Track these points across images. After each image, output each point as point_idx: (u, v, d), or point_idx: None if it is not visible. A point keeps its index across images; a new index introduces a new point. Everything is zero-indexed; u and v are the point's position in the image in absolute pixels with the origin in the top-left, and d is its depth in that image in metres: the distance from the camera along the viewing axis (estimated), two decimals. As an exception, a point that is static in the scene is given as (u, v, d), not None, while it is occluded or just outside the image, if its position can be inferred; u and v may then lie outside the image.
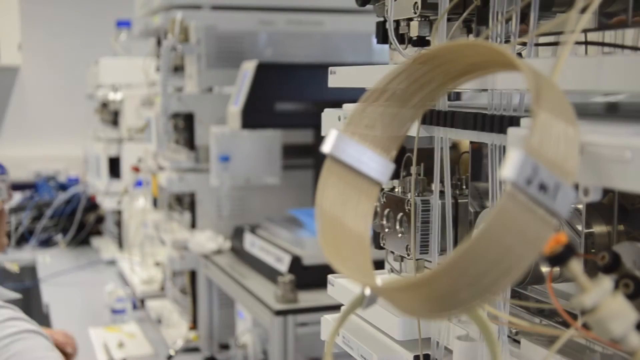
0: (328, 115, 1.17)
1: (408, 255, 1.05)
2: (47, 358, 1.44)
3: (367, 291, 0.80)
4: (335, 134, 0.82)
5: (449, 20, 0.98)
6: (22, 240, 4.01)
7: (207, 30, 2.46)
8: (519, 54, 0.92)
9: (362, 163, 0.83)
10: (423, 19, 1.01)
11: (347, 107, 1.12)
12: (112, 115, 3.79)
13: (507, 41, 0.87)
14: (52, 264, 3.63)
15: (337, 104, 1.15)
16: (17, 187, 3.37)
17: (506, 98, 0.87)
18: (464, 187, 1.07)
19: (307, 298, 1.84)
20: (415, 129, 0.96)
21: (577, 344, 0.85)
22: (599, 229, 0.85)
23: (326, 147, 0.82)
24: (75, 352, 1.88)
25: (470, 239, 0.60)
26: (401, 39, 1.07)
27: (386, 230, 1.10)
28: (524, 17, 0.86)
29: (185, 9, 2.49)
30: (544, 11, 0.88)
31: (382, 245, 1.13)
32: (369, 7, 1.13)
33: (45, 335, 1.51)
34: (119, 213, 3.75)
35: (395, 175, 1.07)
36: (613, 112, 1.05)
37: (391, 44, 1.07)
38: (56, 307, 3.06)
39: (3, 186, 1.60)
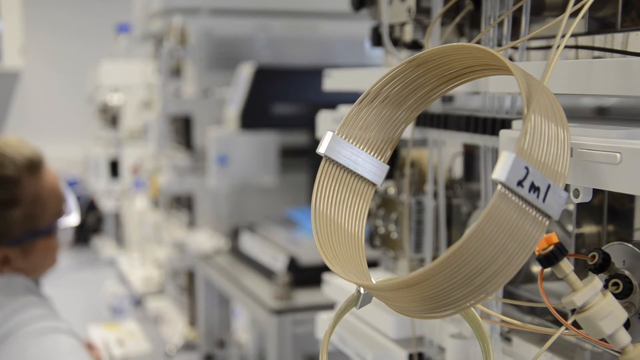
0: (323, 117, 1.18)
1: (402, 255, 1.06)
2: (70, 355, 1.45)
3: (362, 290, 0.81)
4: (330, 135, 0.83)
5: (442, 24, 0.99)
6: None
7: (206, 34, 2.48)
8: (511, 58, 0.93)
9: (357, 164, 0.84)
10: (417, 23, 1.02)
11: (342, 109, 1.13)
12: (111, 117, 3.80)
13: (499, 45, 0.88)
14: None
15: (333, 106, 1.16)
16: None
17: (498, 101, 0.88)
18: (458, 188, 1.08)
19: (303, 297, 1.85)
20: (409, 131, 0.98)
21: (567, 342, 0.86)
22: (589, 229, 0.86)
23: (321, 149, 0.83)
24: None
25: (462, 238, 0.61)
26: (395, 42, 1.08)
27: (381, 230, 1.11)
28: (516, 21, 0.87)
29: (184, 13, 2.50)
30: (535, 15, 0.89)
31: (376, 245, 1.14)
32: (363, 11, 1.14)
33: (75, 336, 1.52)
34: (118, 213, 3.76)
35: (390, 176, 1.08)
36: (603, 114, 1.06)
37: (385, 47, 1.08)
38: (56, 306, 3.06)
39: (68, 229, 1.66)
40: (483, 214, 0.61)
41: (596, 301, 0.65)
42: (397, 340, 1.03)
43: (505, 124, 0.83)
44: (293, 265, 1.91)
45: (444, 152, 1.02)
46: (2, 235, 1.56)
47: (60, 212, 1.65)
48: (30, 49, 5.06)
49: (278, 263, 1.95)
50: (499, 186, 0.60)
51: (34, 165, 1.59)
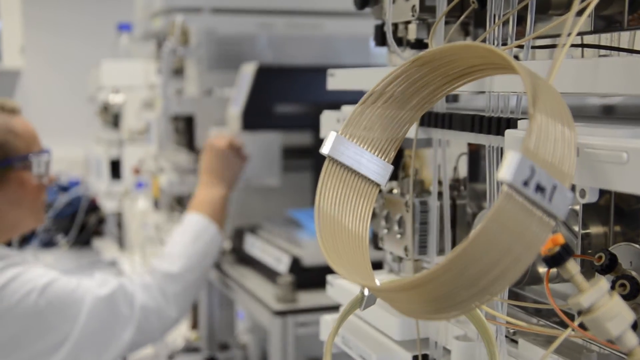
0: (327, 117, 1.17)
1: (406, 256, 1.05)
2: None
3: (366, 292, 0.81)
4: (334, 135, 0.82)
5: (446, 23, 0.98)
6: (24, 241, 4.01)
7: (208, 33, 2.46)
8: (516, 57, 0.93)
9: (361, 165, 0.84)
10: (421, 21, 1.02)
11: (346, 109, 1.13)
12: (113, 118, 3.79)
13: (504, 44, 0.87)
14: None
15: (336, 106, 1.15)
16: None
17: (503, 100, 0.87)
18: (462, 188, 1.08)
19: (307, 298, 1.84)
20: (413, 131, 0.97)
21: (574, 344, 0.85)
22: (595, 230, 0.85)
23: (325, 149, 0.82)
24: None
25: (467, 239, 0.60)
26: (399, 41, 1.08)
27: (385, 231, 1.11)
28: (521, 20, 0.86)
29: (186, 12, 2.49)
30: (540, 14, 0.89)
31: (380, 246, 1.13)
32: (367, 10, 1.14)
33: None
34: (120, 214, 3.75)
35: (394, 177, 1.08)
36: (609, 114, 1.05)
37: (389, 46, 1.08)
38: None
39: (42, 162, 1.79)
40: (489, 215, 0.60)
41: (603, 302, 0.65)
42: (402, 342, 1.03)
43: (511, 123, 0.83)
44: (296, 267, 1.91)
45: (448, 152, 1.01)
46: None
47: (33, 149, 1.81)
48: (30, 49, 5.06)
49: (281, 264, 1.94)
50: (505, 186, 0.60)
51: (6, 108, 1.77)
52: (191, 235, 2.00)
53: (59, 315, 1.66)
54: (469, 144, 1.05)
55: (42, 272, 1.70)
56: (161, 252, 1.99)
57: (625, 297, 0.73)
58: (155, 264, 1.93)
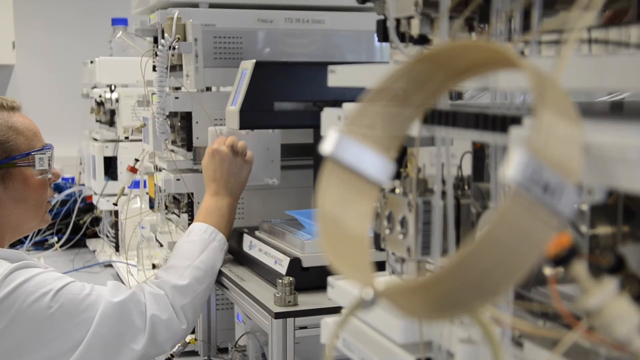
0: (328, 114, 1.16)
1: (409, 257, 1.04)
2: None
3: (368, 293, 0.79)
4: (335, 134, 0.81)
5: (450, 18, 0.97)
6: (17, 242, 3.98)
7: (205, 28, 2.43)
8: (522, 52, 0.91)
9: (363, 163, 0.82)
10: (424, 17, 1.00)
11: (347, 106, 1.11)
12: (107, 115, 3.77)
13: (509, 39, 0.86)
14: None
15: (337, 104, 1.14)
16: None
17: (509, 97, 0.86)
18: (466, 187, 1.06)
19: (307, 300, 1.82)
20: (416, 129, 0.96)
21: (581, 346, 0.84)
22: (603, 230, 0.84)
23: (326, 148, 0.81)
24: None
25: (474, 239, 0.59)
26: (402, 37, 1.06)
27: (387, 231, 1.09)
28: (527, 15, 0.85)
29: (183, 7, 2.46)
30: (547, 9, 0.87)
31: (382, 246, 1.12)
32: (369, 4, 1.13)
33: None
34: (115, 214, 3.73)
35: (396, 176, 1.06)
36: (617, 111, 1.04)
37: (392, 42, 1.06)
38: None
39: (45, 158, 1.79)
40: (495, 215, 0.59)
41: (611, 304, 0.64)
42: (404, 345, 1.02)
43: (516, 121, 0.81)
44: (296, 268, 1.89)
45: (452, 150, 1.00)
46: None
47: (35, 145, 1.80)
48: (21, 45, 5.03)
49: (281, 266, 1.93)
50: (513, 185, 0.59)
51: (6, 105, 1.77)
52: (199, 246, 2.02)
53: (72, 320, 1.66)
54: (474, 142, 1.04)
55: (56, 275, 1.70)
56: (168, 263, 2.00)
57: (634, 299, 0.71)
58: (164, 276, 1.94)
